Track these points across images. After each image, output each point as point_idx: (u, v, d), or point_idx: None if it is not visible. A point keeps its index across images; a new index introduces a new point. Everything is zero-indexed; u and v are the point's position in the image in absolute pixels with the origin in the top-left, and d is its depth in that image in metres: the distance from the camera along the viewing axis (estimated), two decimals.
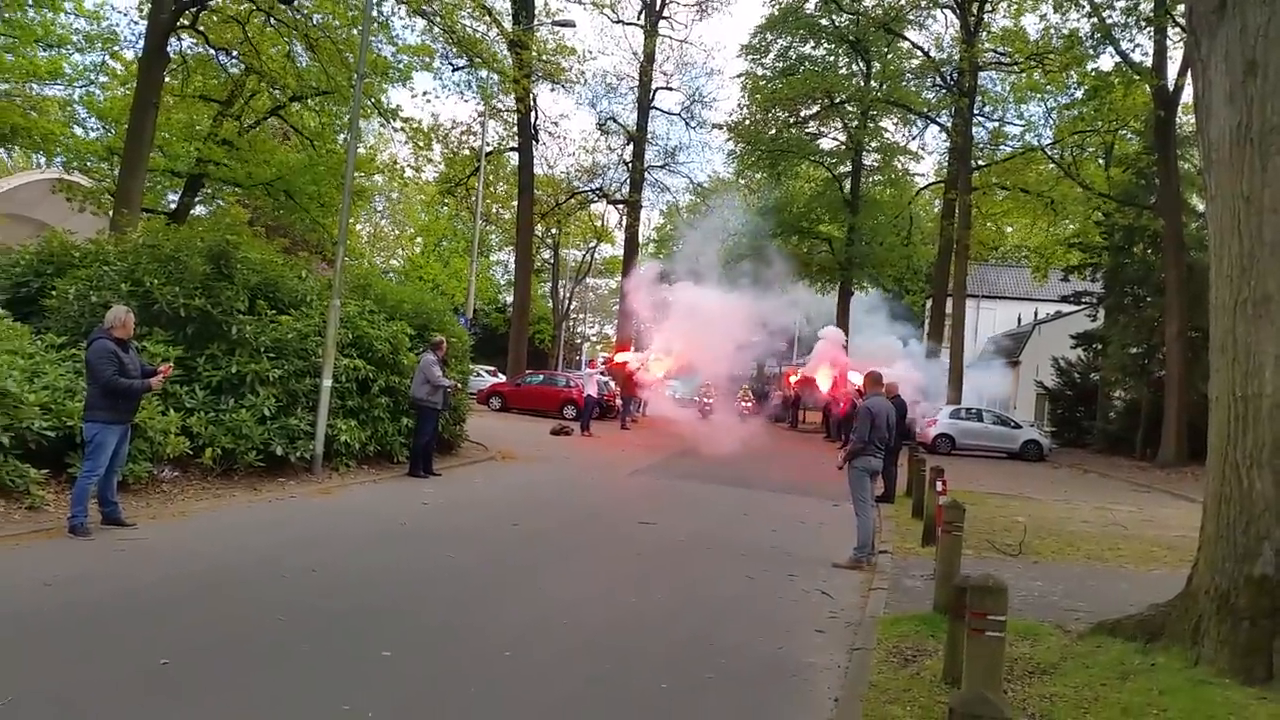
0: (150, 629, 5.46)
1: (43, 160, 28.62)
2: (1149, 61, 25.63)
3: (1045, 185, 32.74)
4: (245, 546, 7.93)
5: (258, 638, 5.52)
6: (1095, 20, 24.36)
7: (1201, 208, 27.63)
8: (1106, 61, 38.50)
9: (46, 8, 21.00)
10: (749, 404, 32.76)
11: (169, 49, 18.23)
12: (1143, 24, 24.52)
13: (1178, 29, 23.11)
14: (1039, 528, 11.94)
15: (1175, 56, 25.66)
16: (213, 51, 21.53)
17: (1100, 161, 32.94)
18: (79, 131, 23.67)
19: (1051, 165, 31.96)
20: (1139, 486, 20.66)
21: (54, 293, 11.51)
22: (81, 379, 9.06)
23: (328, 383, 11.83)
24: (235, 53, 21.13)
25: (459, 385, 15.58)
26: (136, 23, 23.11)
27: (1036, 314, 43.90)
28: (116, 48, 23.50)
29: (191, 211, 24.76)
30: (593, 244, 53.81)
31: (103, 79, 24.15)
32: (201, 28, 19.82)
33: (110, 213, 18.42)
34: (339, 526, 9.23)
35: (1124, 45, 25.07)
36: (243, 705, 4.52)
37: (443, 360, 13.39)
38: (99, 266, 11.81)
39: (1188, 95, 24.27)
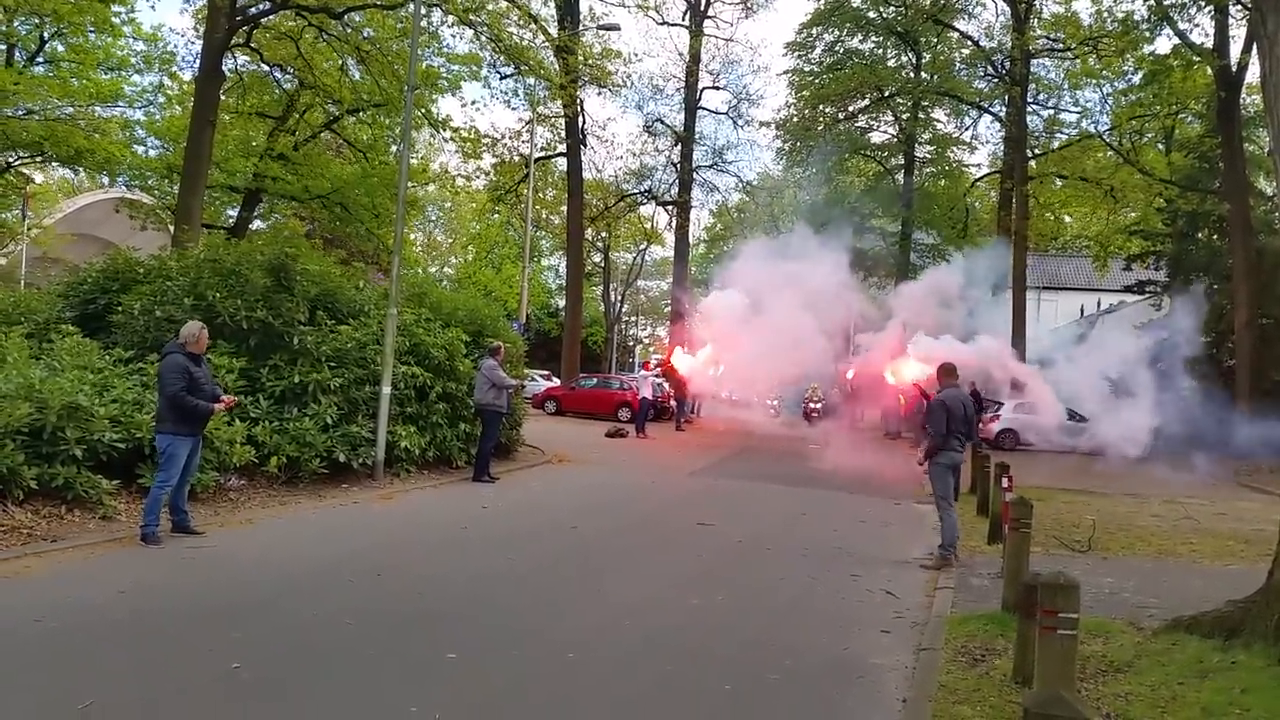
0: (221, 634, 5.56)
1: (106, 180, 29.48)
2: (1209, 42, 24.90)
3: (1104, 173, 31.98)
4: (311, 552, 8.06)
5: (326, 642, 5.60)
6: (1151, 1, 23.75)
7: (1270, 190, 26.81)
8: (1164, 44, 37.53)
9: (107, 33, 21.58)
10: (818, 405, 30.74)
11: (224, 67, 18.63)
12: (1202, 3, 23.84)
13: (1240, 6, 22.44)
14: (1108, 523, 11.68)
15: (1237, 36, 24.91)
16: (267, 68, 21.97)
17: (1160, 146, 32.11)
18: (139, 151, 24.33)
19: (1110, 152, 31.22)
20: (1212, 480, 20.06)
21: (120, 309, 11.83)
22: (149, 391, 9.31)
23: (387, 390, 11.99)
24: (289, 68, 21.53)
25: (522, 385, 15.78)
26: (193, 43, 23.64)
27: (1099, 304, 42.92)
28: (174, 68, 24.15)
29: (250, 226, 25.29)
30: (643, 246, 53.85)
31: (161, 99, 24.79)
32: (255, 45, 20.22)
33: (171, 229, 18.87)
34: (402, 531, 9.34)
35: (1182, 25, 24.39)
36: (313, 708, 4.59)
37: (502, 364, 13.53)
38: (162, 282, 12.12)
39: (1252, 75, 23.56)
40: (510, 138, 36.10)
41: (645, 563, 8.69)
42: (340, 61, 21.20)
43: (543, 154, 36.37)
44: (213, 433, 9.60)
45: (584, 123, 34.70)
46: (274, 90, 23.59)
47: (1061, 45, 30.24)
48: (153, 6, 70.22)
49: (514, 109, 56.83)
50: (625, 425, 24.86)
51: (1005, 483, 9.59)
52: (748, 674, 5.47)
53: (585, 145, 35.23)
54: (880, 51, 36.24)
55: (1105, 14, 26.48)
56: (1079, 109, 32.82)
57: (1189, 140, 29.07)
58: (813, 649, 6.08)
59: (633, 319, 70.41)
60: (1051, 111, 33.18)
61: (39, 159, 22.73)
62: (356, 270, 14.98)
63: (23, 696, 4.51)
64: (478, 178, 33.44)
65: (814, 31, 36.48)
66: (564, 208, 37.37)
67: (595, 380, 33.07)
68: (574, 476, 14.97)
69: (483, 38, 21.64)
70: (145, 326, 11.32)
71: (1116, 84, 29.25)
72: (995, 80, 33.02)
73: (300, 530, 9.08)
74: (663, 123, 40.25)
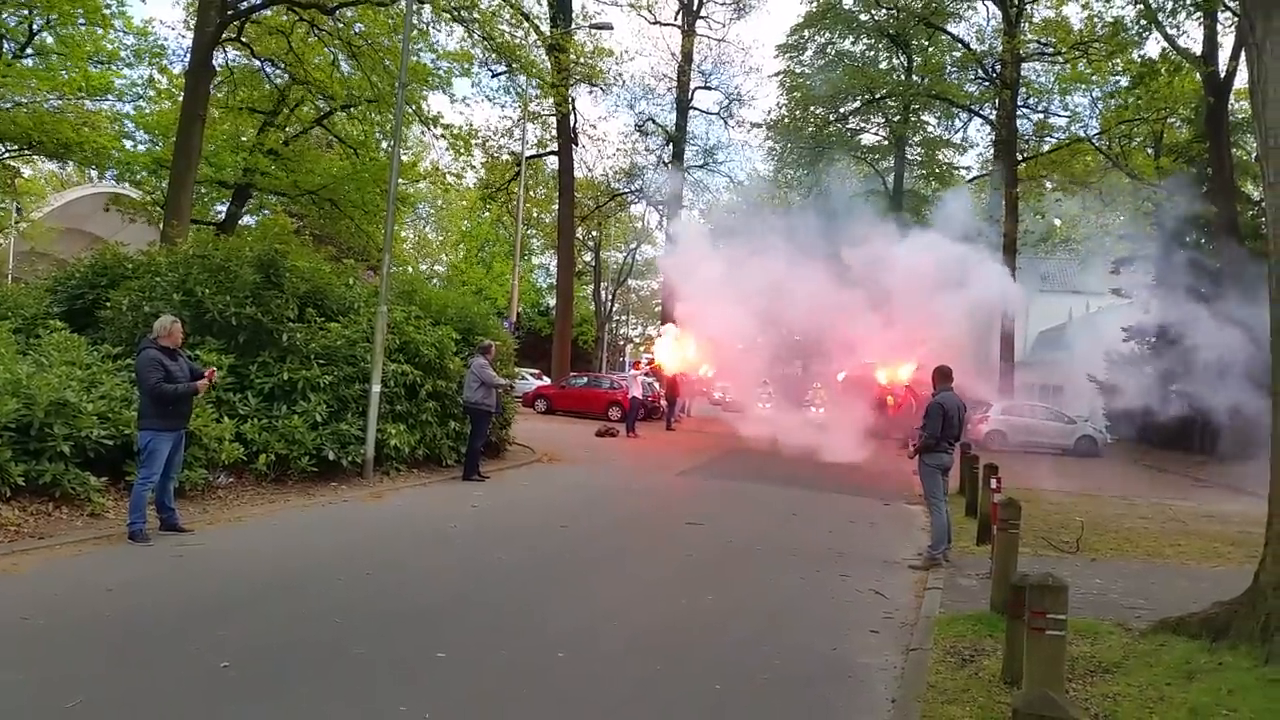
0: (210, 632, 5.54)
1: (95, 174, 29.29)
2: (1198, 48, 25.07)
3: (1093, 176, 32.16)
4: (300, 550, 8.03)
5: (315, 640, 5.58)
6: (1141, 6, 23.87)
7: (1257, 195, 26.96)
8: (1153, 48, 37.77)
9: (97, 24, 21.45)
10: (819, 408, 28.71)
11: (215, 62, 18.54)
12: (1191, 9, 23.96)
13: (1229, 13, 22.57)
14: (1096, 524, 11.72)
15: (1225, 43, 25.13)
16: (258, 63, 21.87)
17: (1149, 151, 32.30)
18: (128, 145, 24.16)
19: (1099, 155, 31.39)
20: (1199, 481, 20.20)
21: (108, 304, 11.76)
22: (136, 388, 9.26)
23: (377, 388, 11.94)
24: (280, 63, 21.44)
25: (511, 384, 15.77)
26: (183, 37, 23.56)
27: (1087, 307, 43.10)
28: (164, 62, 23.98)
29: (240, 221, 25.17)
30: (634, 245, 53.87)
31: (150, 93, 24.63)
32: (246, 39, 20.14)
33: (160, 224, 18.78)
34: (391, 530, 9.32)
35: (1170, 31, 24.53)
36: (301, 707, 4.57)
37: (492, 363, 13.50)
38: (151, 277, 12.05)
39: (1240, 81, 23.75)
40: (501, 135, 36.14)
41: (634, 562, 8.69)
42: (331, 57, 21.13)
43: (534, 152, 36.34)
44: (201, 430, 9.57)
45: (575, 121, 34.71)
46: (264, 85, 23.49)
47: (1052, 50, 30.40)
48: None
49: (504, 107, 56.65)
50: (615, 424, 24.82)
51: (994, 483, 9.63)
52: (736, 674, 5.48)
53: (577, 143, 35.22)
54: (871, 54, 36.40)
55: (1095, 19, 26.65)
56: (1068, 113, 33.00)
57: (1177, 145, 29.22)
58: (802, 649, 6.09)
59: (623, 318, 70.40)
60: (1041, 115, 33.35)
61: (27, 151, 22.56)
62: (346, 267, 14.89)
63: (9, 695, 4.47)
64: (467, 173, 33.43)
65: (805, 34, 36.63)
66: (555, 206, 37.36)
67: (585, 379, 33.01)
68: (563, 475, 14.95)
69: (474, 35, 21.63)
70: (133, 322, 11.24)
71: (1106, 88, 29.44)
72: (986, 83, 33.18)
73: (289, 528, 9.04)
74: (654, 122, 40.29)
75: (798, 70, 37.21)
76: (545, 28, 28.23)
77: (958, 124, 37.77)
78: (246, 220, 26.65)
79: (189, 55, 18.28)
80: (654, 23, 38.36)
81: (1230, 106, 25.74)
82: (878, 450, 20.02)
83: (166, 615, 5.88)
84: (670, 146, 39.37)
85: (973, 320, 19.83)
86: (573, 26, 29.75)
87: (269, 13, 19.57)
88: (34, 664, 4.89)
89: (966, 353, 22.32)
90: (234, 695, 4.64)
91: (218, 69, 19.65)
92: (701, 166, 41.57)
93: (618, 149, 68.91)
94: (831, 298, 20.32)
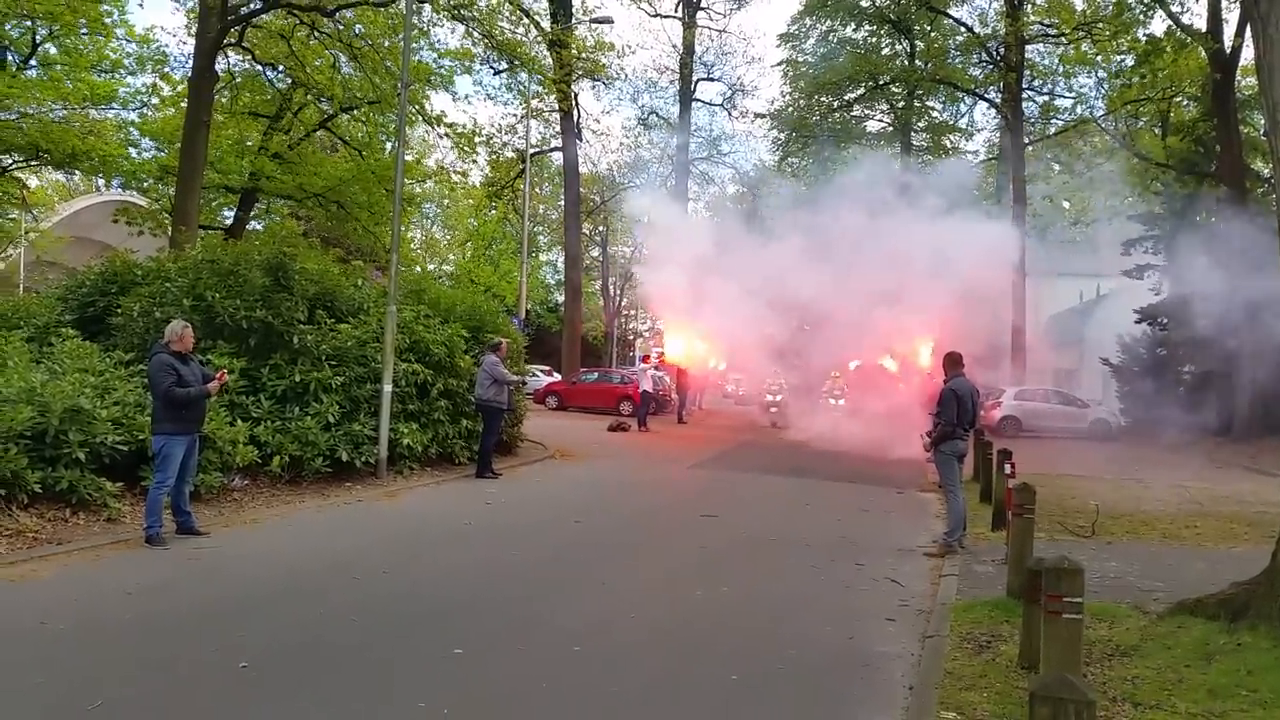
0: (228, 634, 5.57)
1: (102, 183, 29.40)
2: (1203, 24, 24.86)
3: (1101, 157, 32.00)
4: (316, 551, 8.07)
5: (333, 640, 5.61)
6: None
7: (1267, 172, 26.79)
8: (1158, 26, 37.49)
9: (99, 33, 21.51)
10: (839, 398, 26.36)
11: (217, 67, 18.57)
12: None
13: None
14: (1111, 508, 11.67)
15: (1230, 19, 24.85)
16: (260, 67, 21.90)
17: (1156, 130, 32.11)
18: (134, 153, 24.23)
19: (1106, 136, 31.22)
20: (1214, 463, 20.10)
21: (119, 311, 11.83)
22: (149, 393, 9.31)
23: (388, 387, 11.97)
24: (281, 67, 21.46)
25: (523, 381, 15.84)
26: (185, 43, 23.61)
27: (1098, 289, 42.89)
28: (166, 69, 24.02)
29: (247, 226, 25.22)
30: (640, 239, 53.88)
31: (154, 100, 24.67)
32: (247, 44, 20.17)
33: (168, 231, 18.83)
34: (406, 528, 9.35)
35: (1174, 8, 24.38)
36: (321, 706, 4.59)
37: (504, 360, 13.52)
38: (161, 283, 12.11)
39: (1246, 57, 23.52)
40: (505, 133, 36.16)
41: (649, 555, 8.71)
42: (332, 59, 21.14)
43: (538, 149, 36.34)
44: (215, 433, 9.61)
45: (579, 116, 34.69)
46: (267, 90, 23.52)
47: (1055, 30, 30.23)
48: (140, 4, 70.01)
49: (506, 104, 56.72)
50: (627, 419, 24.80)
51: (1009, 468, 9.61)
52: (754, 664, 5.48)
53: (581, 139, 35.21)
54: (874, 40, 36.29)
55: None
56: (1074, 94, 32.86)
57: (1184, 124, 29.00)
58: (818, 638, 6.09)
59: (633, 312, 70.37)
60: (1047, 97, 33.20)
61: (34, 163, 22.64)
62: (355, 268, 14.93)
63: (32, 697, 4.51)
64: (472, 172, 33.42)
65: (807, 22, 36.57)
66: (561, 202, 37.38)
67: (596, 375, 33.01)
68: (576, 471, 14.97)
69: (475, 33, 21.62)
70: (145, 328, 11.30)
71: (1111, 68, 29.26)
72: (990, 67, 33.03)
73: (305, 529, 9.08)
74: (657, 115, 40.30)
75: (800, 59, 37.16)
76: (545, 24, 28.20)
77: (963, 108, 37.73)
78: (254, 224, 26.72)
79: (191, 62, 18.32)
80: (654, 15, 38.38)
81: (1237, 83, 25.52)
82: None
83: (185, 617, 5.92)
84: (674, 139, 39.36)
85: (980, 266, 19.61)
86: (573, 22, 29.71)
87: (269, 17, 19.60)
88: (56, 667, 4.93)
89: (978, 336, 22.19)
90: (253, 695, 4.67)
91: (220, 74, 19.68)
92: (706, 158, 41.59)
93: (621, 143, 69.01)
94: (836, 279, 20.29)
